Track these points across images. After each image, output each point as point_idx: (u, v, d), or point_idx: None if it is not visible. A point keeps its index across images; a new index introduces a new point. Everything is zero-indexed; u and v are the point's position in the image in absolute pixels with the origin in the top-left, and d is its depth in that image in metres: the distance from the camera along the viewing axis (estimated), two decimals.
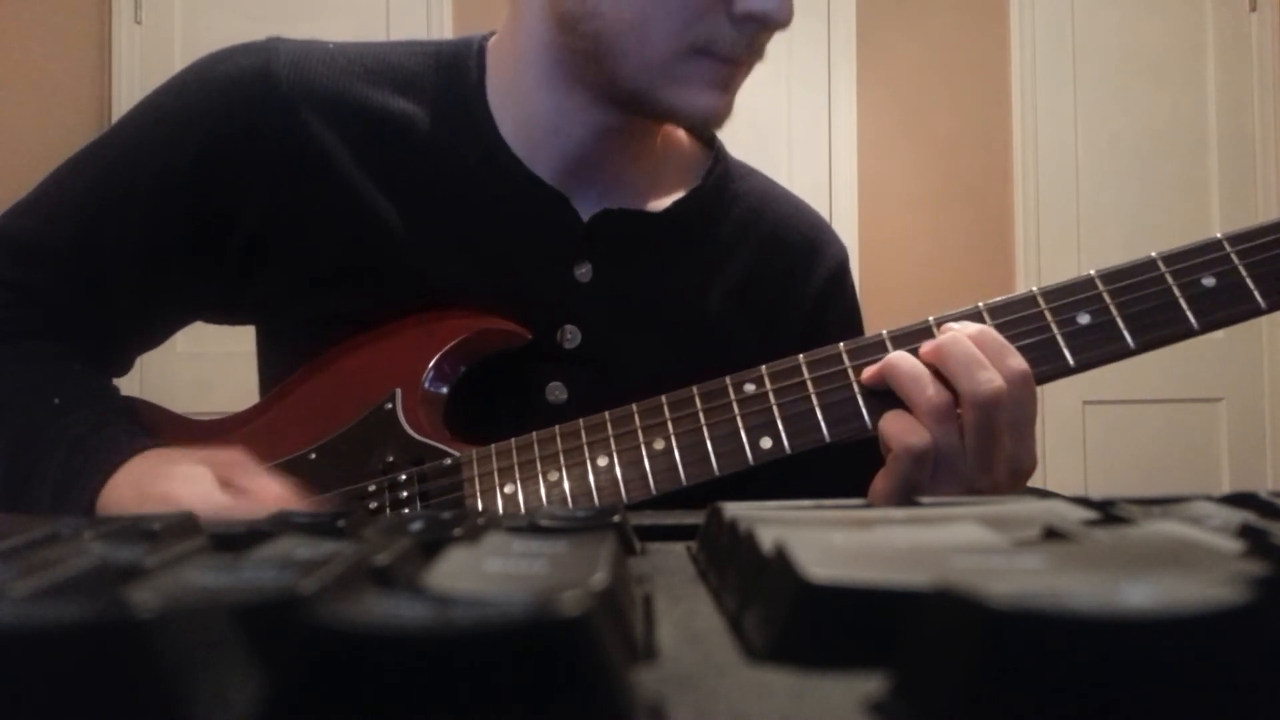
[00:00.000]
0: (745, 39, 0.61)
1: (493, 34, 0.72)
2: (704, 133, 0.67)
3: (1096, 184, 2.63)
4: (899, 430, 0.55)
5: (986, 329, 0.56)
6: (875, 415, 0.57)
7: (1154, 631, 0.12)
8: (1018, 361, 0.55)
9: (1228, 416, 2.60)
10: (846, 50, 2.64)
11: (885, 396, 0.57)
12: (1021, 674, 0.12)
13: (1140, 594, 0.12)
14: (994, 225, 2.65)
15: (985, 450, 0.54)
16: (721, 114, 0.65)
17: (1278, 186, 2.61)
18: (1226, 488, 1.87)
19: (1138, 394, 2.54)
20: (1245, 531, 0.20)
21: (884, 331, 0.59)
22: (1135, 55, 2.64)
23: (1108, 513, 0.24)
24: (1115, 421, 2.55)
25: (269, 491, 0.59)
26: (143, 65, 2.50)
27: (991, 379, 0.54)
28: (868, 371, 0.57)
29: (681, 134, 0.77)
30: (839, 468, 0.61)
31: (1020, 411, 0.54)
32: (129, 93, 2.47)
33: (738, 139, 0.79)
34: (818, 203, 0.81)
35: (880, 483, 0.57)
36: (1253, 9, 2.65)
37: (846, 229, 2.58)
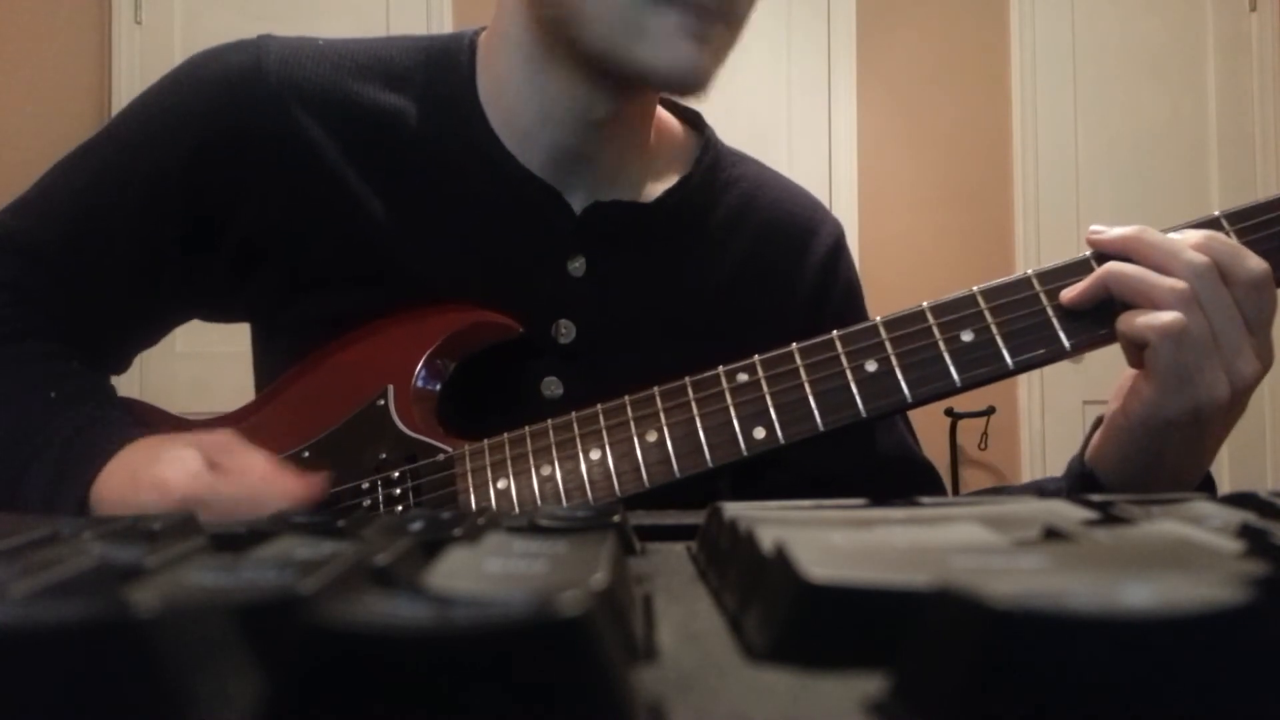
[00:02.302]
0: None
1: (485, 29, 0.72)
2: (686, 94, 0.64)
3: (1096, 184, 2.63)
4: (1147, 318, 0.53)
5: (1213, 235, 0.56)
6: (869, 403, 0.57)
7: (1154, 631, 0.12)
8: (1254, 262, 0.54)
9: None
10: (846, 50, 2.64)
11: (879, 381, 0.57)
12: (1021, 674, 0.12)
13: (1140, 594, 0.12)
14: (994, 225, 2.65)
15: (1246, 329, 0.53)
16: (699, 71, 0.61)
17: (1278, 186, 2.61)
18: (1226, 488, 1.86)
19: None
20: (1245, 531, 0.20)
21: (878, 319, 0.59)
22: (1135, 55, 2.64)
23: (1108, 513, 0.24)
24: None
25: (255, 468, 0.59)
26: (143, 65, 2.50)
27: (1259, 261, 0.53)
28: (1075, 289, 0.56)
29: (672, 121, 0.76)
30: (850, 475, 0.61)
31: (1259, 312, 0.54)
32: (129, 93, 2.47)
33: (738, 139, 0.78)
34: None
35: (1144, 387, 0.54)
36: (1253, 9, 2.65)
37: (847, 228, 2.58)
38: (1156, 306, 0.53)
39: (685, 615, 0.20)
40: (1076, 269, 0.57)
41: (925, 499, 0.28)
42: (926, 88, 2.66)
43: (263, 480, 0.59)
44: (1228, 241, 0.55)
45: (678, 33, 0.60)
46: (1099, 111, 2.64)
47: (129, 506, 0.57)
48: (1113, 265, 0.55)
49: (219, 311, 0.75)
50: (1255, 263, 0.54)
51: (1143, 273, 0.54)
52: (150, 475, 0.58)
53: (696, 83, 0.62)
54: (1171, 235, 0.56)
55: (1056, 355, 0.56)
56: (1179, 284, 0.53)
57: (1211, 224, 0.57)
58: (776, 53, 2.58)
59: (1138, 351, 0.54)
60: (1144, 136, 2.63)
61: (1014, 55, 2.66)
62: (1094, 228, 0.58)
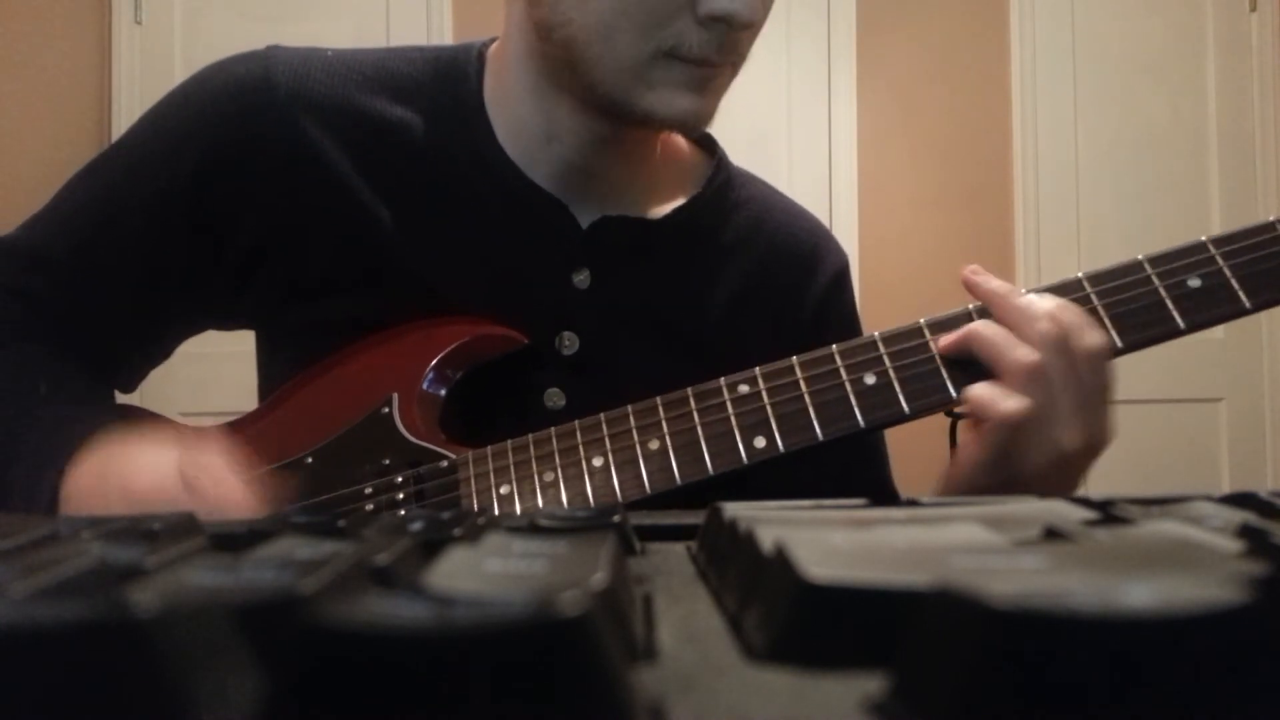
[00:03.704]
0: (714, 40, 0.60)
1: (495, 40, 0.72)
2: (687, 136, 0.66)
3: (1096, 184, 2.63)
4: (992, 398, 0.55)
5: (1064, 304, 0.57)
6: (867, 414, 0.57)
7: (1154, 631, 0.12)
8: (1096, 337, 0.56)
9: (1228, 416, 2.60)
10: (846, 50, 2.64)
11: (878, 394, 0.58)
12: (1021, 674, 0.12)
13: (1140, 594, 0.12)
14: (994, 225, 2.65)
15: (1078, 403, 0.55)
16: (700, 116, 0.64)
17: (1278, 186, 2.61)
18: (1226, 488, 1.87)
19: (1138, 394, 2.53)
20: (1245, 531, 0.20)
21: (875, 333, 0.59)
22: (1135, 55, 2.64)
23: (1108, 513, 0.24)
24: (1115, 421, 2.54)
25: (228, 498, 0.58)
26: (143, 65, 2.50)
27: (1098, 336, 0.55)
28: (947, 340, 0.58)
29: (682, 141, 0.77)
30: (832, 468, 0.61)
31: (1093, 387, 0.55)
32: (129, 93, 2.47)
33: (738, 139, 0.79)
34: (818, 202, 0.81)
35: (973, 452, 0.56)
36: (1253, 9, 2.65)
37: (846, 229, 2.58)
38: (1004, 374, 0.55)
39: (685, 615, 0.20)
40: (960, 318, 0.59)
41: (925, 499, 0.28)
42: (926, 88, 2.66)
43: (228, 504, 0.57)
44: (1075, 312, 0.56)
45: (683, 86, 0.62)
46: (1099, 111, 2.64)
47: (96, 505, 0.57)
48: (976, 326, 0.57)
49: (224, 317, 0.75)
50: (1094, 337, 0.56)
51: (998, 340, 0.56)
52: (119, 475, 0.58)
53: (697, 126, 0.65)
54: (1030, 297, 0.57)
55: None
56: (1028, 358, 0.55)
57: (1074, 286, 0.59)
58: (776, 53, 2.58)
59: (979, 422, 0.56)
60: (1144, 136, 2.63)
61: (1014, 55, 2.66)
62: (971, 268, 0.59)
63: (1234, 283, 0.56)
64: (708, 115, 0.64)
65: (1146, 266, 0.58)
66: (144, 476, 0.58)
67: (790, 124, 2.61)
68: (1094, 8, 2.65)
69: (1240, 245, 0.57)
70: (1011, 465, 0.55)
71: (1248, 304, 0.56)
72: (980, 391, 0.56)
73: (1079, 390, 0.55)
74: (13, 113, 2.35)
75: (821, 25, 2.63)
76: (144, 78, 2.46)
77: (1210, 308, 0.56)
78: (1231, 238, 0.58)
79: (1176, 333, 0.57)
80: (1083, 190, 2.63)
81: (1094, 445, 0.56)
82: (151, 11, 2.53)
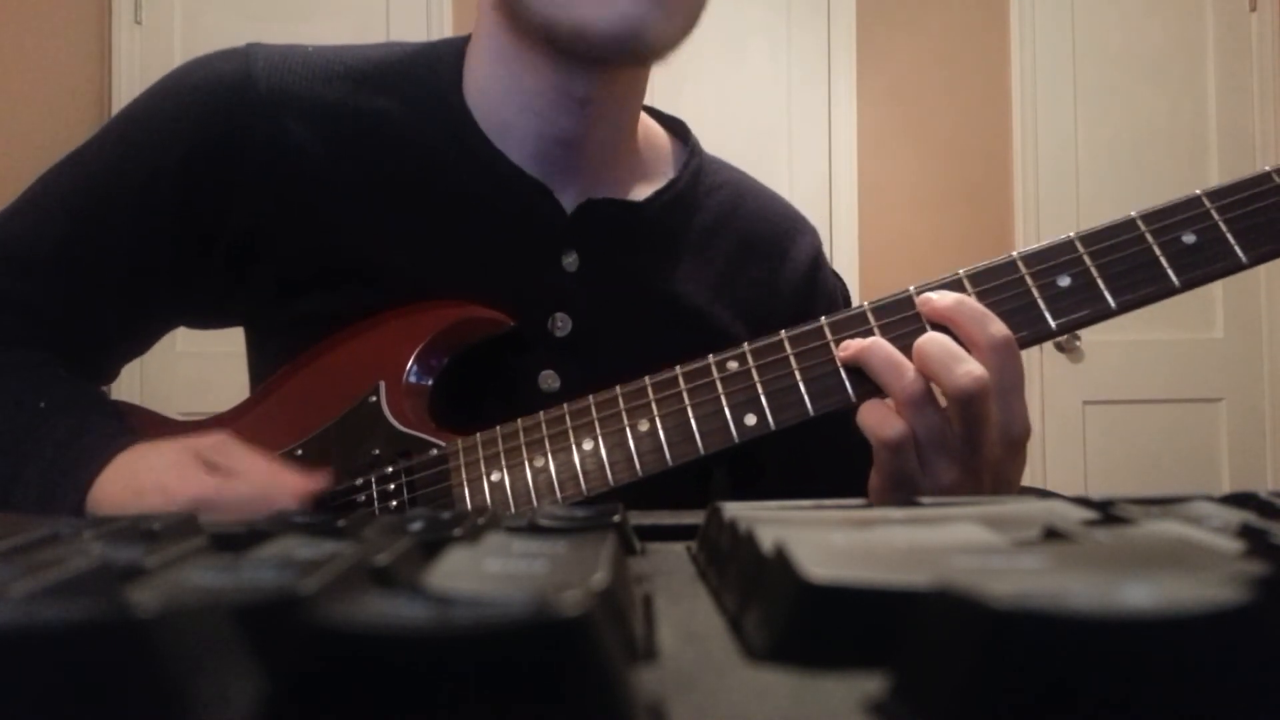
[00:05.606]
0: None
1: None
2: (635, 49, 0.60)
3: (1096, 184, 2.63)
4: (873, 423, 0.54)
5: (964, 298, 0.56)
6: (858, 388, 0.57)
7: (1154, 631, 0.12)
8: (999, 328, 0.54)
9: (1228, 416, 2.60)
10: (846, 50, 2.64)
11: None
12: (1021, 674, 0.12)
13: (1140, 594, 0.12)
14: (994, 225, 2.65)
15: (974, 432, 0.54)
16: (639, 21, 0.58)
17: None
18: (1226, 488, 1.86)
19: (1138, 394, 2.54)
20: (1245, 531, 0.20)
21: (865, 303, 0.59)
22: (1135, 55, 2.64)
23: (1108, 513, 0.24)
24: (1115, 421, 2.55)
25: (258, 467, 0.60)
26: (143, 65, 2.50)
27: (969, 370, 0.53)
28: (844, 352, 0.57)
29: (658, 130, 0.78)
30: (840, 463, 0.61)
31: (1005, 378, 0.54)
32: (129, 93, 2.47)
33: (738, 138, 0.79)
34: (818, 202, 0.81)
35: (873, 477, 0.56)
36: (1253, 9, 2.65)
37: (846, 229, 2.58)
38: (892, 398, 0.54)
39: (685, 615, 0.20)
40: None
41: (925, 499, 0.28)
42: (926, 88, 2.66)
43: (268, 478, 0.59)
44: (975, 306, 0.55)
45: None
46: (1099, 111, 2.64)
47: (129, 511, 0.57)
48: (872, 345, 0.56)
49: (210, 316, 0.75)
50: (998, 328, 0.54)
51: (888, 365, 0.55)
52: (152, 479, 0.58)
53: (636, 35, 0.59)
54: (928, 296, 0.56)
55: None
56: (911, 386, 0.53)
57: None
58: (776, 53, 2.58)
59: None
60: (1144, 136, 2.63)
61: (1014, 55, 2.66)
62: (927, 294, 0.57)
63: (1230, 236, 0.55)
64: (648, 26, 0.59)
65: (1140, 224, 0.56)
66: (178, 476, 0.58)
67: (790, 124, 2.61)
68: (1094, 8, 2.65)
69: (1236, 198, 0.55)
70: (917, 484, 0.54)
71: (1244, 258, 0.54)
72: (864, 414, 0.55)
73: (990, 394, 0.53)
74: (13, 113, 2.35)
75: (821, 25, 2.63)
76: (144, 78, 2.46)
77: (1206, 263, 0.55)
78: (1227, 190, 0.56)
79: (1171, 290, 0.55)
80: (1083, 190, 2.63)
81: (1016, 439, 0.55)
82: (151, 11, 2.53)
